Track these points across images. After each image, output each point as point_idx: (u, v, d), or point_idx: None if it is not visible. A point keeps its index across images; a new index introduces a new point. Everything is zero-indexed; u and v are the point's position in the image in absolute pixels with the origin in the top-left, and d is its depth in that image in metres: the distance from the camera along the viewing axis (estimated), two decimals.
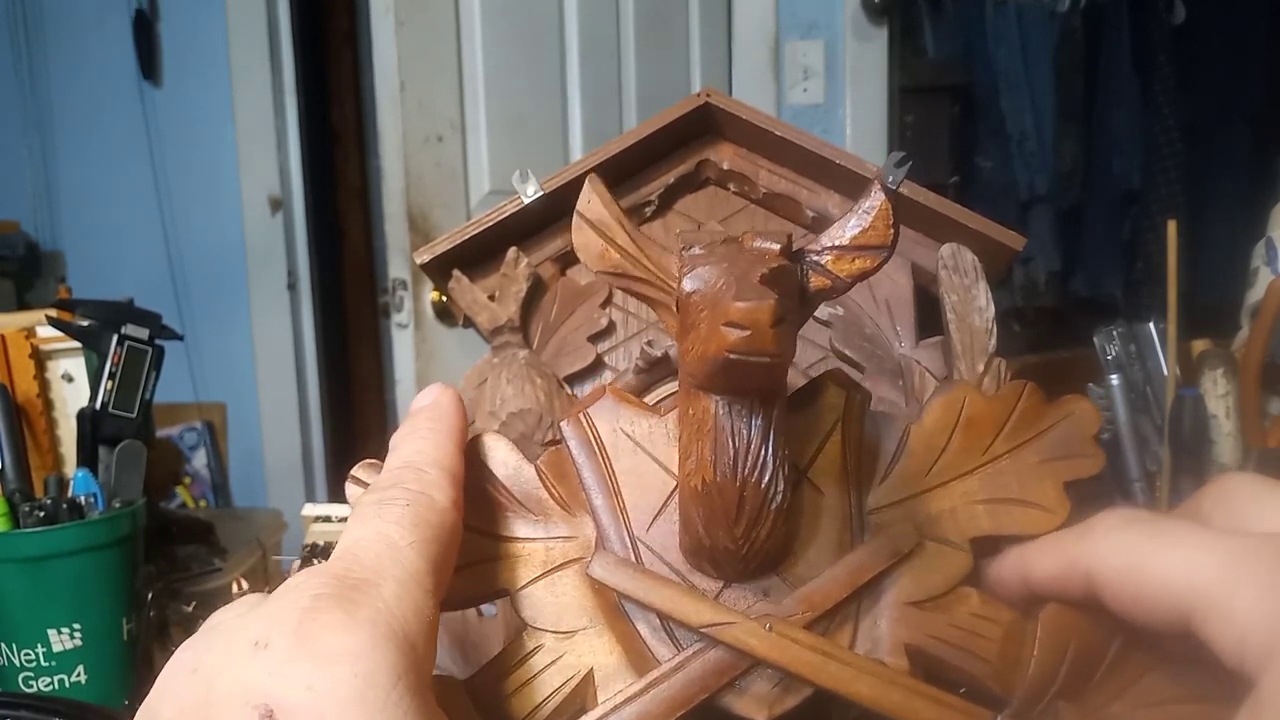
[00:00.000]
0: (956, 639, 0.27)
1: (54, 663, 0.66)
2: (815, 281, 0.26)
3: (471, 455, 0.30)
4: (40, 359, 0.79)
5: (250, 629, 0.23)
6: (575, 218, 0.28)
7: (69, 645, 0.66)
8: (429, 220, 1.71)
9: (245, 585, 0.77)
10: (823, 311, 0.53)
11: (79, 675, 0.67)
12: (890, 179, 0.51)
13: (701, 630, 0.26)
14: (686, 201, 0.58)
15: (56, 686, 0.66)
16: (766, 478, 0.26)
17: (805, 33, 1.98)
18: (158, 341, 0.80)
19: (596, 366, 0.54)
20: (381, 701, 0.21)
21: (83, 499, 0.68)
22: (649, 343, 0.52)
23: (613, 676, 0.27)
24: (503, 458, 0.30)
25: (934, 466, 0.29)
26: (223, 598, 0.81)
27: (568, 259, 0.57)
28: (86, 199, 2.15)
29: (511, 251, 0.55)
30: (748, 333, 0.22)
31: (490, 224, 0.55)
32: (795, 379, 0.31)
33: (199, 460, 1.78)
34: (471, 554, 0.28)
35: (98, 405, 0.75)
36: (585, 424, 0.30)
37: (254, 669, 0.22)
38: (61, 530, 0.65)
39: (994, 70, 2.49)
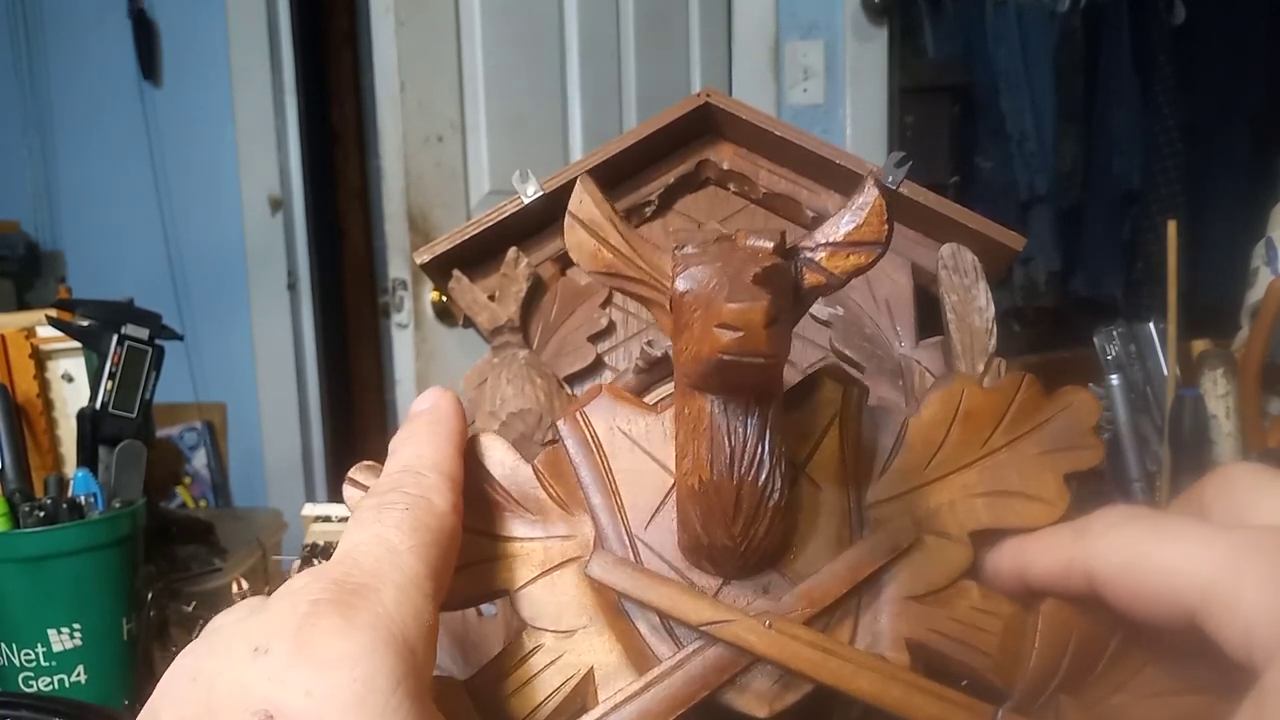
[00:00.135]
0: (957, 633, 0.27)
1: (54, 663, 0.66)
2: (810, 278, 0.26)
3: (468, 456, 0.30)
4: (40, 359, 0.79)
5: (250, 634, 0.23)
6: (567, 218, 0.28)
7: (69, 645, 0.66)
8: (429, 220, 1.72)
9: (245, 585, 0.77)
10: (822, 311, 0.53)
11: (79, 675, 0.67)
12: (890, 179, 0.51)
13: (701, 628, 0.26)
14: (686, 201, 0.58)
15: (56, 686, 0.66)
16: (763, 476, 0.26)
17: (805, 33, 1.98)
18: (158, 341, 0.80)
19: (596, 366, 0.54)
20: (381, 706, 0.21)
21: (83, 499, 0.68)
22: (649, 343, 0.52)
23: (613, 675, 0.27)
24: (499, 457, 0.30)
25: (932, 460, 0.29)
26: (223, 597, 0.81)
27: (568, 259, 0.57)
28: (86, 199, 2.15)
29: (511, 251, 0.55)
30: (740, 334, 0.22)
31: (490, 224, 0.55)
32: (794, 378, 0.31)
33: (199, 460, 1.78)
34: (470, 554, 0.28)
35: (98, 405, 0.75)
36: (582, 422, 0.30)
37: (254, 675, 0.22)
38: (61, 530, 0.65)
39: (994, 70, 2.49)
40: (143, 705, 0.24)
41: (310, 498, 2.09)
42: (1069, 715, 0.27)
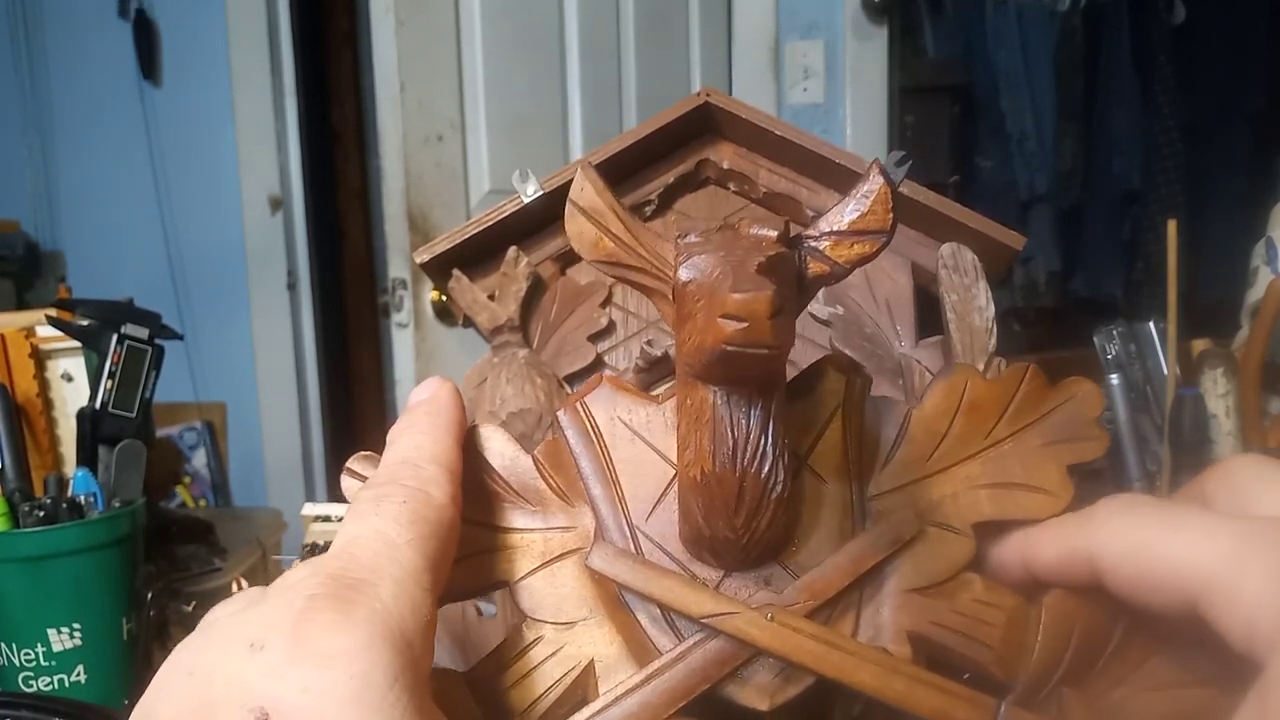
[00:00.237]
0: (959, 625, 0.27)
1: (54, 662, 0.66)
2: (813, 268, 0.26)
3: (468, 446, 0.29)
4: (40, 359, 0.79)
5: (246, 629, 0.23)
6: (568, 206, 0.27)
7: (69, 645, 0.66)
8: (429, 220, 1.72)
9: (245, 585, 0.77)
10: (823, 311, 0.53)
11: (79, 675, 0.67)
12: (890, 178, 0.51)
13: (702, 620, 0.26)
14: (686, 201, 0.58)
15: (56, 686, 0.66)
16: (766, 467, 0.26)
17: (805, 33, 1.98)
18: (157, 341, 0.80)
19: (596, 366, 0.54)
20: (378, 702, 0.21)
21: (82, 499, 0.68)
22: (649, 342, 0.52)
23: (614, 667, 0.27)
24: (499, 448, 0.30)
25: (935, 451, 0.29)
26: (222, 597, 0.81)
27: (568, 258, 0.57)
28: (86, 199, 2.15)
29: (511, 251, 0.55)
30: (745, 324, 0.22)
31: (490, 223, 0.55)
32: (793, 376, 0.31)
33: (199, 460, 1.78)
34: (469, 546, 0.28)
35: (97, 405, 0.75)
36: (582, 413, 0.29)
37: (250, 670, 0.22)
38: (61, 530, 0.65)
39: (994, 70, 2.49)
40: None
41: (310, 497, 2.08)
42: (1071, 708, 0.27)
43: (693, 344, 0.24)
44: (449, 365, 1.73)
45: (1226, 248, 2.16)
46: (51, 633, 0.65)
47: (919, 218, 0.53)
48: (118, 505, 0.71)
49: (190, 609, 0.77)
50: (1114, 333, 0.90)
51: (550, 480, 0.29)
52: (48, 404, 0.80)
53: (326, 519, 0.74)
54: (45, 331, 0.80)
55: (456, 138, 1.72)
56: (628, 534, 0.28)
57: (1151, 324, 0.89)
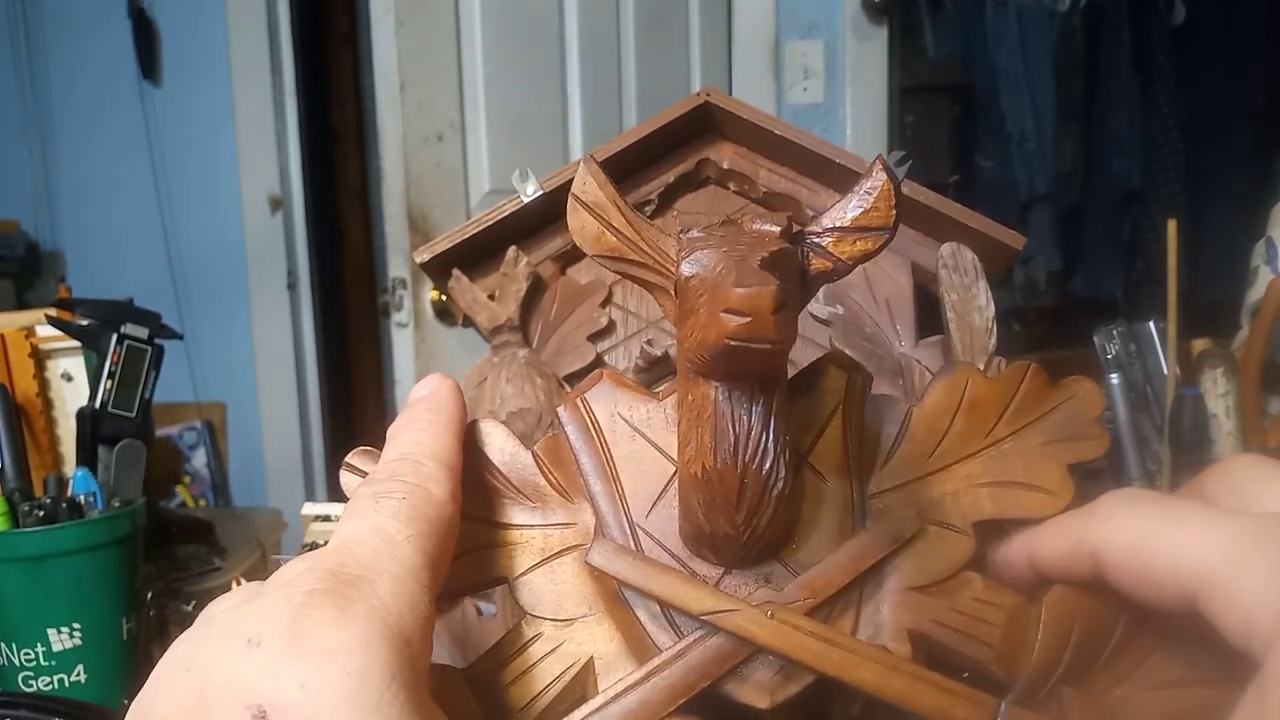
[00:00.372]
0: (959, 624, 0.27)
1: (54, 662, 0.66)
2: (816, 264, 0.26)
3: (468, 442, 0.29)
4: (40, 358, 0.79)
5: (244, 625, 0.22)
6: (570, 200, 0.27)
7: (69, 645, 0.66)
8: (429, 220, 1.72)
9: (245, 585, 0.77)
10: (822, 311, 0.53)
11: (79, 675, 0.67)
12: (894, 174, 0.51)
13: (702, 617, 0.26)
14: (686, 200, 0.58)
15: (56, 686, 0.66)
16: (767, 464, 0.25)
17: (805, 33, 1.98)
18: (157, 341, 0.80)
19: (596, 365, 0.54)
20: (376, 700, 0.21)
21: (82, 498, 0.68)
22: (649, 342, 0.53)
23: (613, 664, 0.27)
24: (499, 444, 0.30)
25: (936, 449, 0.29)
26: None
27: (567, 258, 0.57)
28: (86, 199, 2.15)
29: (511, 251, 0.55)
30: (748, 319, 0.22)
31: (490, 223, 0.55)
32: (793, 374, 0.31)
33: (199, 460, 1.78)
34: (469, 542, 0.28)
35: (97, 405, 0.75)
36: (583, 409, 0.29)
37: (247, 667, 0.22)
38: (61, 530, 0.65)
39: (994, 70, 2.49)
40: None
41: (310, 497, 2.08)
42: (1071, 707, 0.27)
43: (695, 339, 0.24)
44: (449, 365, 1.73)
45: (1226, 247, 2.16)
46: (51, 633, 0.65)
47: (919, 217, 0.53)
48: (117, 505, 0.71)
49: (190, 609, 0.77)
50: (1114, 332, 0.90)
51: (550, 476, 0.29)
52: (47, 404, 0.80)
53: (326, 518, 0.74)
54: (45, 331, 0.80)
55: (456, 138, 1.72)
56: (628, 530, 0.28)
57: (1151, 324, 0.89)
